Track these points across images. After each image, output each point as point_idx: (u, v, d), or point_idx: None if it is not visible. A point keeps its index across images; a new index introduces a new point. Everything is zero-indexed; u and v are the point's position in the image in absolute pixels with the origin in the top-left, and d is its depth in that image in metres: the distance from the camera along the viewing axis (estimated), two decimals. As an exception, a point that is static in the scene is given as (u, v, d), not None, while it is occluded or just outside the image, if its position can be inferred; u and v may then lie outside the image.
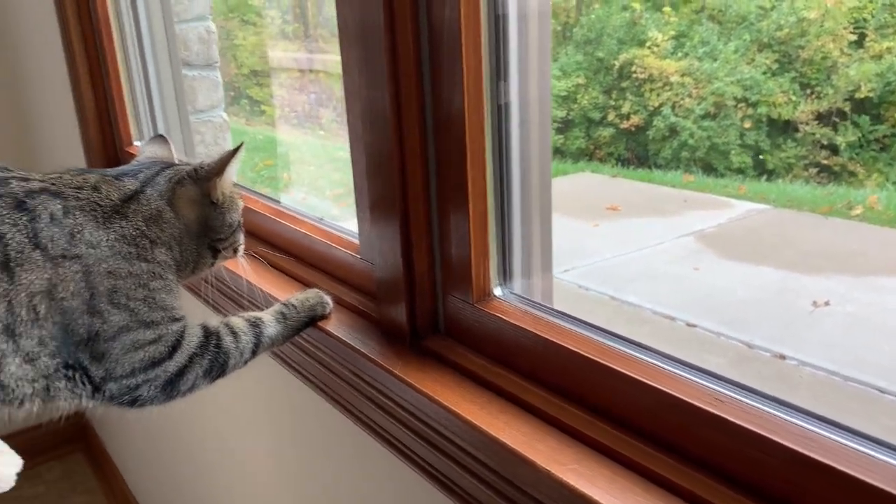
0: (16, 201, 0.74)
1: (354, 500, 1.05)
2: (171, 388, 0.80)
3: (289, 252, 1.12)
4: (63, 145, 2.09)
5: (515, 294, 0.82)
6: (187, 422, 1.71)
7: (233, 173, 0.90)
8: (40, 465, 2.82)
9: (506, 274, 0.82)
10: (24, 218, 0.73)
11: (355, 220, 1.00)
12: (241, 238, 0.95)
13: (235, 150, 0.90)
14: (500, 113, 0.77)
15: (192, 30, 1.81)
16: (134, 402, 0.79)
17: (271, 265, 1.10)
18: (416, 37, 0.76)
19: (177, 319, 0.82)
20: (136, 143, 1.73)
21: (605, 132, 4.84)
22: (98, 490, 2.75)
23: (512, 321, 0.77)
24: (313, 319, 0.93)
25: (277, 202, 1.25)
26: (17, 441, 0.91)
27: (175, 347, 0.80)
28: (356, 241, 1.01)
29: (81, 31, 1.65)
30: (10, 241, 0.71)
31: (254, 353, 0.87)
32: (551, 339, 0.73)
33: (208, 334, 0.83)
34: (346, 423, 0.96)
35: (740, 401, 0.61)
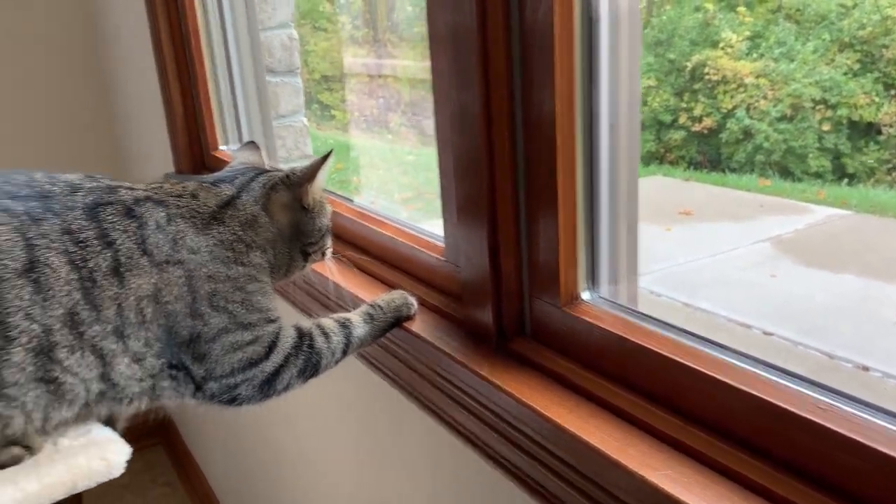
0: (125, 209, 0.78)
1: (437, 500, 1.06)
2: (268, 387, 0.83)
3: (373, 254, 1.15)
4: (152, 150, 2.17)
5: (603, 298, 0.82)
6: (268, 420, 1.76)
7: (323, 179, 0.93)
8: (123, 456, 2.94)
9: (593, 278, 0.82)
10: (133, 225, 0.77)
11: (424, 224, 1.01)
12: (329, 242, 0.98)
13: (326, 157, 0.92)
14: (591, 115, 0.77)
15: (275, 37, 1.87)
16: (233, 401, 0.82)
17: (356, 267, 1.13)
18: (507, 39, 0.77)
19: (272, 321, 0.85)
20: (222, 147, 1.79)
21: (677, 135, 4.75)
22: (177, 482, 2.85)
23: (601, 325, 0.77)
24: (399, 320, 0.95)
25: (351, 202, 1.28)
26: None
27: (271, 348, 0.83)
28: (439, 244, 1.03)
29: (172, 40, 1.71)
30: (120, 247, 0.75)
31: (344, 353, 0.89)
32: (641, 343, 0.73)
33: (302, 335, 0.86)
34: (428, 422, 0.97)
35: (840, 408, 0.60)
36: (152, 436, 2.97)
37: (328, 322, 0.90)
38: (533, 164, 0.79)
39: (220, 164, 1.73)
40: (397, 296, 0.96)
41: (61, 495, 0.69)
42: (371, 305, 0.94)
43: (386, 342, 0.99)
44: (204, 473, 2.65)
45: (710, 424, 0.68)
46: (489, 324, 0.86)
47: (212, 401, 0.82)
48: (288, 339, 0.85)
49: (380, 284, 1.09)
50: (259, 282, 0.85)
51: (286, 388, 0.85)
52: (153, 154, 2.16)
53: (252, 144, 1.06)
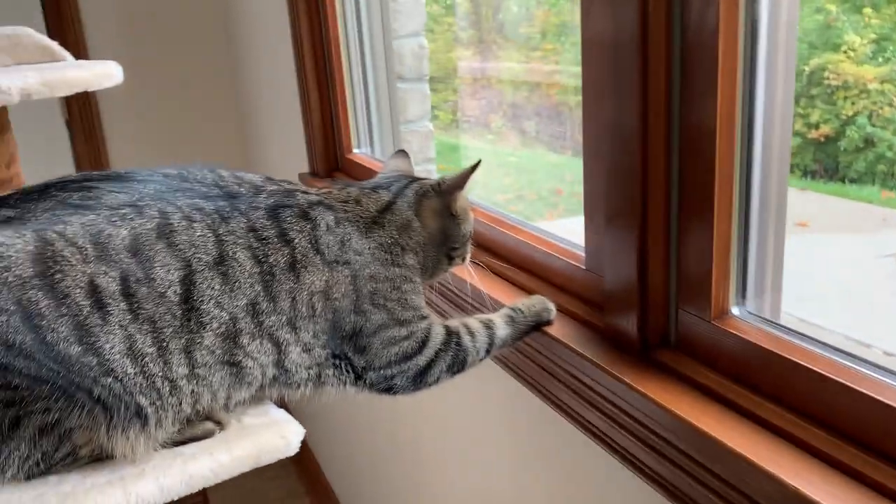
0: (301, 211, 0.85)
1: (573, 498, 1.09)
2: (420, 379, 0.89)
3: (508, 260, 1.19)
4: (285, 151, 2.29)
5: (751, 313, 0.83)
6: (388, 416, 1.83)
7: (469, 188, 0.98)
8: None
9: (743, 292, 0.83)
10: (308, 226, 0.84)
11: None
12: (470, 247, 1.03)
13: (474, 167, 0.97)
14: (749, 127, 0.79)
15: (406, 45, 1.94)
16: (388, 390, 0.88)
17: (492, 272, 1.17)
18: (668, 50, 0.79)
19: (424, 318, 0.91)
20: (356, 150, 1.87)
21: (792, 141, 4.58)
22: (290, 466, 2.99)
23: (750, 340, 0.78)
24: (539, 324, 0.98)
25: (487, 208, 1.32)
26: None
27: (423, 343, 0.89)
28: (577, 252, 1.06)
29: (313, 47, 1.81)
30: (297, 246, 0.83)
31: (487, 352, 0.94)
32: (793, 358, 0.73)
33: (450, 333, 0.91)
34: (565, 426, 1.00)
35: None
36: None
37: (473, 322, 0.95)
38: (688, 176, 0.80)
39: (353, 166, 1.82)
40: (537, 300, 1.00)
41: (247, 468, 0.76)
42: (512, 308, 0.98)
43: (524, 346, 1.03)
44: (315, 455, 2.77)
45: (864, 442, 0.68)
46: (633, 333, 0.89)
47: (370, 389, 0.88)
48: (438, 336, 0.91)
49: (515, 289, 1.13)
50: (412, 282, 0.91)
51: (436, 381, 0.91)
52: (286, 155, 2.28)
53: (403, 153, 1.12)
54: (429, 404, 1.55)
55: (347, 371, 0.86)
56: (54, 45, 1.36)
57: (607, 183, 0.88)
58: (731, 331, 0.80)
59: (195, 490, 0.73)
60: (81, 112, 2.63)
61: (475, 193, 1.36)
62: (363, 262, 0.87)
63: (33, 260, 0.71)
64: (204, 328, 0.76)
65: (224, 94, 2.84)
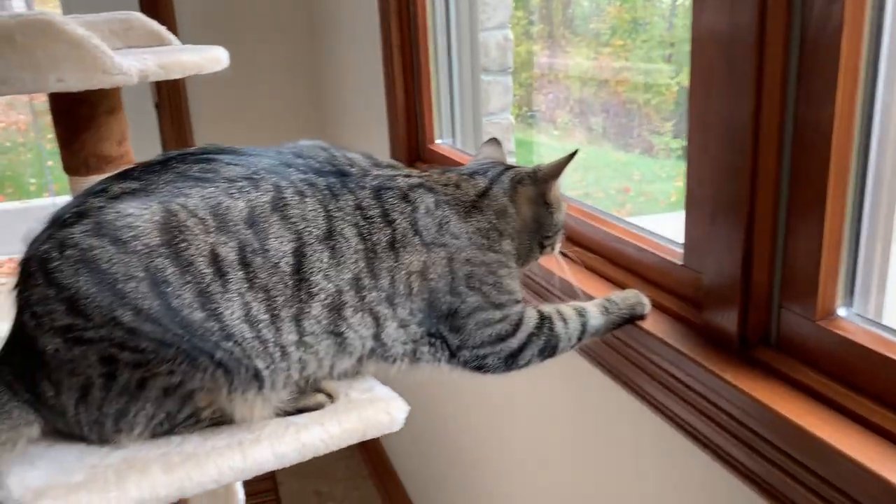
0: (402, 193, 0.88)
1: (663, 500, 1.10)
2: (512, 361, 0.91)
3: (599, 254, 1.19)
4: (366, 138, 2.33)
5: (858, 315, 0.82)
6: (457, 402, 1.86)
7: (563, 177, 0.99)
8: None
9: (851, 293, 0.83)
10: (409, 208, 0.87)
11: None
12: (561, 237, 1.04)
13: (571, 156, 0.98)
14: (867, 128, 0.78)
15: (491, 37, 1.96)
16: (480, 369, 0.90)
17: (583, 265, 1.18)
18: (786, 47, 0.78)
19: (518, 302, 0.92)
20: (438, 141, 1.90)
21: None
22: (355, 448, 3.04)
23: (858, 341, 0.77)
24: (632, 318, 0.99)
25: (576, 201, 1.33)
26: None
27: (517, 327, 0.91)
28: (672, 247, 1.06)
29: (401, 38, 1.84)
30: (398, 227, 0.85)
31: (579, 339, 0.95)
32: (905, 363, 0.73)
33: (543, 318, 0.93)
34: (659, 423, 1.00)
35: None
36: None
37: (566, 309, 0.96)
38: (800, 174, 0.80)
39: (435, 156, 1.85)
40: (632, 294, 1.00)
41: (354, 440, 0.80)
42: (606, 299, 0.99)
43: (617, 342, 1.03)
44: (379, 438, 2.82)
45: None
46: (732, 330, 0.88)
47: (464, 367, 0.90)
48: (531, 320, 0.92)
49: (606, 283, 1.13)
50: (508, 267, 0.93)
51: (527, 364, 0.92)
52: (367, 142, 2.32)
53: (495, 141, 1.13)
54: (506, 394, 1.57)
55: (442, 349, 0.89)
56: (163, 29, 1.42)
57: (713, 179, 0.88)
58: (837, 331, 0.79)
59: (306, 458, 0.76)
60: (170, 95, 2.72)
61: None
62: (459, 245, 0.89)
63: (160, 230, 0.75)
64: (312, 298, 0.79)
65: (306, 80, 2.90)
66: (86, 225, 0.75)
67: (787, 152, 0.81)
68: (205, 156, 0.84)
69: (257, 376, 0.78)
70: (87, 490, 0.70)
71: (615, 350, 1.05)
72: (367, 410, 0.82)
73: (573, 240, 1.24)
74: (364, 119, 2.35)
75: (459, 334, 0.89)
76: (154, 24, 1.40)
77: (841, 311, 0.82)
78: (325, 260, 0.80)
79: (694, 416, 0.91)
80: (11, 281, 0.82)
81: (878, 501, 0.68)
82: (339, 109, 2.70)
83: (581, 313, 0.96)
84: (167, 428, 0.78)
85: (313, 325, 0.80)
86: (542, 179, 0.98)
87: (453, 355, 0.89)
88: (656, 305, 1.02)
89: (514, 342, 0.91)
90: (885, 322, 0.80)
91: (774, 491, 0.81)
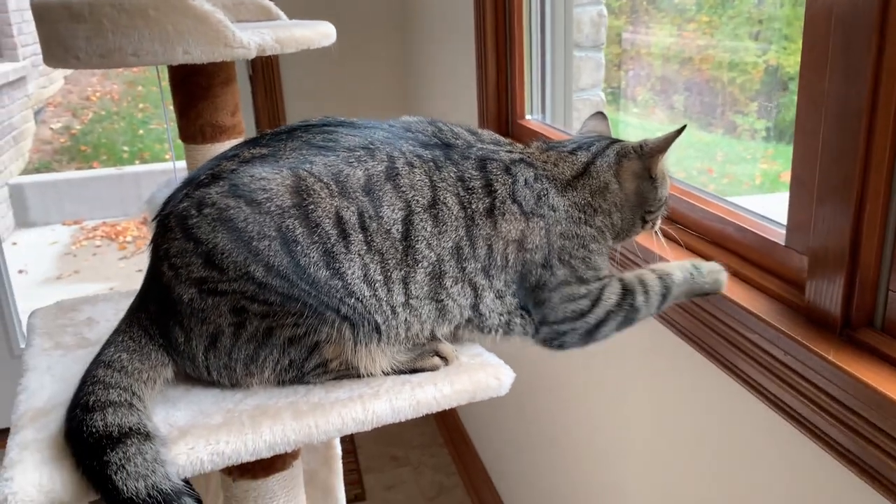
0: (505, 166, 0.91)
1: (760, 482, 1.11)
2: (590, 336, 0.94)
3: (699, 233, 1.20)
4: (455, 113, 2.37)
5: (971, 300, 0.82)
6: (537, 376, 1.89)
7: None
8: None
9: (965, 279, 0.82)
10: (510, 180, 0.90)
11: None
12: (664, 213, 1.05)
13: (679, 131, 0.99)
14: None
15: (586, 13, 1.95)
16: (560, 346, 0.94)
17: (682, 245, 1.19)
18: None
19: (601, 279, 0.95)
20: (528, 116, 1.92)
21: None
22: (430, 415, 3.12)
23: (970, 327, 0.77)
24: (712, 290, 1.00)
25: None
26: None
27: (595, 303, 0.93)
28: (773, 228, 1.06)
29: (495, 12, 1.86)
30: (497, 195, 0.88)
31: (658, 307, 0.97)
32: None
33: (625, 292, 0.95)
34: (755, 403, 1.01)
35: None
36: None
37: (649, 277, 0.97)
38: (916, 160, 0.80)
39: (524, 131, 1.87)
40: (717, 266, 1.01)
41: (464, 401, 0.84)
42: (693, 265, 1.00)
43: (712, 318, 1.05)
44: (469, 435, 2.88)
45: None
46: (835, 311, 0.89)
47: (542, 344, 0.94)
48: (613, 296, 0.94)
49: (695, 258, 1.14)
50: (599, 243, 0.96)
51: (605, 338, 0.96)
52: (455, 116, 2.35)
53: (601, 115, 1.15)
54: (589, 367, 1.60)
55: (530, 322, 0.92)
56: (272, 5, 1.48)
57: (822, 160, 0.88)
58: (949, 317, 0.79)
59: (420, 414, 0.81)
60: (264, 69, 2.81)
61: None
62: (556, 217, 0.91)
63: (290, 193, 0.80)
64: (417, 265, 0.84)
65: (396, 56, 2.95)
66: (222, 186, 0.81)
67: (904, 135, 0.81)
68: (326, 127, 0.89)
69: (377, 329, 0.83)
70: (227, 432, 0.76)
71: (710, 328, 1.07)
72: (478, 374, 0.86)
73: (671, 218, 1.25)
74: (453, 92, 2.38)
75: (542, 308, 0.91)
76: (264, 0, 1.47)
77: (953, 296, 0.82)
78: (429, 228, 0.85)
79: (791, 396, 0.92)
80: (147, 237, 0.89)
81: None
82: (428, 84, 2.73)
83: (664, 279, 0.97)
84: (295, 374, 0.85)
85: (418, 290, 0.85)
86: (648, 154, 0.99)
87: (536, 331, 0.93)
88: (757, 286, 1.03)
89: (592, 318, 0.93)
90: None
91: (873, 471, 0.82)
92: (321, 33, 1.27)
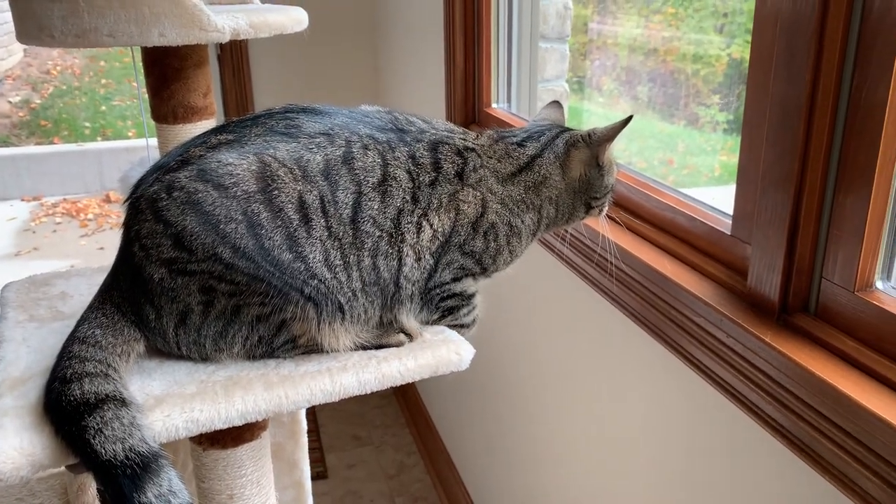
0: (456, 150, 0.97)
1: (696, 449, 1.18)
2: (460, 312, 1.01)
3: (647, 221, 1.26)
4: (423, 101, 2.40)
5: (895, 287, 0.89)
6: (495, 360, 1.95)
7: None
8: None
9: (890, 267, 0.89)
10: (459, 160, 0.96)
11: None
12: (609, 200, 1.10)
13: (626, 121, 1.04)
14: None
15: (552, 5, 2.00)
16: (448, 310, 1.00)
17: (628, 229, 1.25)
18: (845, 33, 0.83)
19: (484, 273, 1.00)
20: (494, 105, 1.96)
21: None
22: (392, 397, 3.17)
23: (893, 312, 0.84)
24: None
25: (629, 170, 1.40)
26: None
27: (459, 280, 0.99)
28: (720, 217, 1.13)
29: (464, 7, 1.90)
30: (443, 171, 0.94)
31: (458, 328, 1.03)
32: (935, 334, 0.79)
33: (472, 297, 1.02)
34: (694, 378, 1.08)
35: None
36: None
37: (476, 311, 1.05)
38: (850, 154, 0.85)
39: (490, 120, 1.91)
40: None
41: (426, 375, 0.89)
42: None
43: (661, 301, 1.12)
44: (418, 389, 2.93)
45: None
46: (773, 297, 0.95)
47: (431, 305, 0.98)
48: (472, 288, 1.01)
49: (654, 249, 1.21)
50: (520, 241, 1.01)
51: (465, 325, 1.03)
52: (423, 104, 2.39)
53: (557, 104, 1.19)
54: (547, 348, 1.66)
55: (426, 280, 0.96)
56: (245, -12, 1.50)
57: (766, 154, 0.95)
58: (874, 302, 0.86)
59: (385, 386, 0.86)
60: (232, 50, 2.81)
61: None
62: (495, 199, 0.97)
63: (256, 178, 0.84)
64: (364, 246, 0.88)
65: (364, 42, 2.97)
66: (190, 170, 0.84)
67: (838, 132, 0.87)
68: (288, 114, 0.92)
69: (341, 309, 0.87)
70: (201, 400, 0.80)
71: (659, 311, 1.13)
72: (440, 350, 0.91)
73: (626, 207, 1.32)
74: (421, 81, 2.42)
75: (441, 267, 0.96)
76: (237, -17, 1.48)
77: (878, 284, 0.89)
78: (376, 206, 0.89)
79: (732, 375, 0.99)
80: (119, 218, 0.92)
81: (899, 454, 0.75)
82: (398, 71, 2.76)
83: (472, 324, 1.05)
84: (265, 350, 0.88)
85: (368, 275, 0.89)
86: (597, 142, 1.04)
87: (425, 289, 0.96)
88: (704, 273, 1.09)
89: (455, 288, 0.98)
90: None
91: (802, 444, 0.89)
92: (294, 19, 1.29)
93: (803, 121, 0.88)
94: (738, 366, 0.98)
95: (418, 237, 0.92)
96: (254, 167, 0.84)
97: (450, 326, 1.01)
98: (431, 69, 2.20)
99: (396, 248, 0.90)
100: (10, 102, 6.61)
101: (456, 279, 0.97)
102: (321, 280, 0.86)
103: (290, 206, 0.84)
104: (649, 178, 1.33)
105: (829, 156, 0.88)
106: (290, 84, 2.91)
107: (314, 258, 0.85)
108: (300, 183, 0.85)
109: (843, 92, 0.86)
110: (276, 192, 0.84)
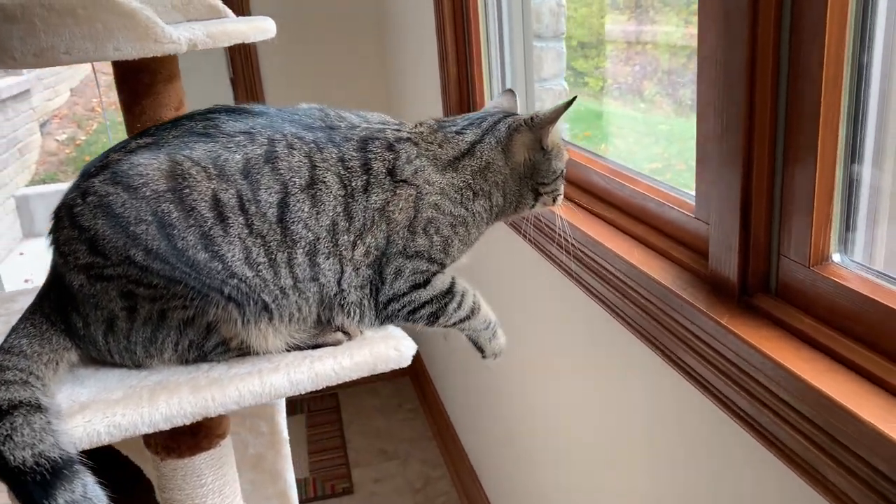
0: (388, 144, 0.94)
1: (653, 431, 1.13)
2: (411, 315, 0.95)
3: (619, 208, 1.22)
4: (425, 104, 2.40)
5: (855, 261, 0.83)
6: (512, 372, 1.91)
7: (561, 123, 1.01)
8: (375, 383, 3.31)
9: (846, 241, 0.84)
10: (391, 156, 0.93)
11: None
12: (562, 188, 1.06)
13: (569, 102, 1.00)
14: (861, 72, 0.78)
15: (545, 3, 1.97)
16: (389, 316, 0.94)
17: (591, 213, 1.21)
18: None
19: (443, 266, 0.96)
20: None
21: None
22: (419, 409, 3.15)
23: (850, 286, 0.78)
24: (487, 351, 1.03)
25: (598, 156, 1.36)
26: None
27: (427, 284, 0.95)
28: (690, 202, 1.08)
29: (453, 9, 1.89)
30: (373, 172, 0.91)
31: (454, 323, 0.98)
32: (892, 306, 0.74)
33: (448, 291, 0.96)
34: (658, 363, 1.04)
35: None
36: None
37: (470, 296, 0.99)
38: (794, 124, 0.81)
39: (484, 121, 1.89)
40: (504, 344, 1.04)
41: (364, 373, 0.87)
42: (497, 324, 1.03)
43: (628, 289, 1.08)
44: (443, 403, 2.91)
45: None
46: (733, 279, 0.91)
47: (381, 311, 0.94)
48: (439, 286, 0.95)
49: (625, 237, 1.17)
50: (468, 230, 0.97)
51: (415, 321, 0.96)
52: (425, 108, 2.39)
53: (510, 92, 1.15)
54: (545, 353, 1.62)
55: (374, 292, 0.92)
56: (220, 3, 1.52)
57: (715, 132, 0.90)
58: (831, 277, 0.80)
59: (320, 386, 0.84)
60: (244, 71, 2.86)
61: (623, 160, 1.38)
62: (431, 191, 0.93)
63: (166, 177, 0.83)
64: (296, 245, 0.86)
65: (373, 58, 3.00)
66: (105, 175, 0.84)
67: (782, 102, 0.83)
68: (210, 115, 0.91)
69: (266, 308, 0.85)
70: (124, 405, 0.80)
71: (632, 302, 1.09)
72: (379, 346, 0.88)
73: (601, 196, 1.28)
74: (423, 85, 2.42)
75: (389, 278, 0.92)
76: (212, 0, 1.50)
77: (836, 258, 0.83)
78: (306, 209, 0.86)
79: (696, 360, 0.94)
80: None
81: (852, 438, 0.70)
82: (402, 78, 2.77)
83: (475, 308, 0.99)
84: (197, 354, 0.88)
85: (301, 272, 0.87)
86: (539, 125, 1.00)
87: (378, 303, 0.93)
88: (671, 258, 1.05)
89: (424, 295, 0.94)
90: (878, 268, 0.81)
91: (761, 428, 0.84)
92: (257, 28, 1.30)
93: (745, 93, 0.84)
94: (702, 351, 0.93)
95: (353, 252, 0.90)
96: (164, 166, 0.83)
97: (459, 330, 0.99)
98: (431, 74, 2.19)
99: (337, 255, 0.89)
100: (56, 140, 6.87)
101: (416, 286, 0.93)
102: (241, 279, 0.84)
103: (203, 204, 0.83)
104: (620, 164, 1.28)
105: (775, 128, 0.84)
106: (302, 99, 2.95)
107: (232, 256, 0.84)
108: (214, 181, 0.84)
109: (783, 60, 0.81)
110: (187, 190, 0.83)
